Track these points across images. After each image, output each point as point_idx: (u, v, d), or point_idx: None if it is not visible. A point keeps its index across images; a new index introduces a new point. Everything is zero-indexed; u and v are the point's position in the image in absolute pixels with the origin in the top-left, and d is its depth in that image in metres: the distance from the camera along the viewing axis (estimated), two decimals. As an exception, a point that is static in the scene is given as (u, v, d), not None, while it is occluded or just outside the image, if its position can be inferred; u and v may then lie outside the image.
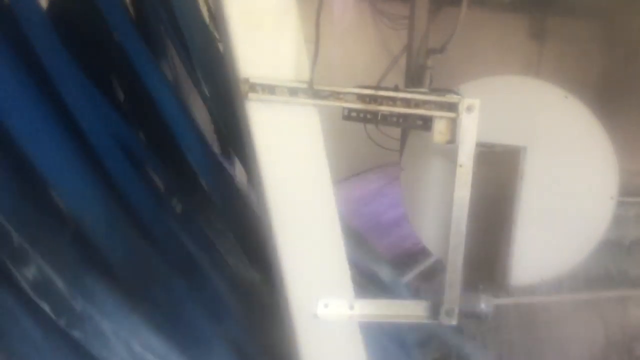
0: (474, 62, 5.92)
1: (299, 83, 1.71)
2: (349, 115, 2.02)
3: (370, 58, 5.95)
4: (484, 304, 1.85)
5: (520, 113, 1.97)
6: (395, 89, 1.84)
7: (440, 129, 1.86)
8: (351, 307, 1.86)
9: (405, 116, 1.91)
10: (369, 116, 2.00)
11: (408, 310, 1.91)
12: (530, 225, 1.96)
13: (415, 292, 2.05)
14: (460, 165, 1.85)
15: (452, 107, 1.82)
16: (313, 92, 1.72)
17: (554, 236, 1.98)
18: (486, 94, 1.86)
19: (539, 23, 6.29)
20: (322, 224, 1.81)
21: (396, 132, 4.17)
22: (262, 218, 1.82)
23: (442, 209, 1.96)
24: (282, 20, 1.70)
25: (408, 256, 2.98)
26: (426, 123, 1.88)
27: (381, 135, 5.04)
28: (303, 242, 1.80)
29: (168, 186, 2.12)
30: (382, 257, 2.57)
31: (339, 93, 1.76)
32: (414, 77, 5.62)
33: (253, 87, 1.66)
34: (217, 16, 1.72)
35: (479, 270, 1.98)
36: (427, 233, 2.05)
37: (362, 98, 1.79)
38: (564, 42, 6.31)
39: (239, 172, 2.33)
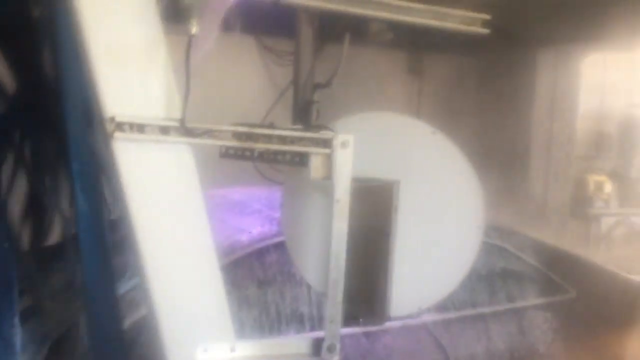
0: (359, 97, 6.13)
1: (170, 121, 1.67)
2: (227, 153, 1.99)
3: (259, 93, 5.99)
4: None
5: (392, 148, 2.04)
6: (271, 126, 1.85)
7: (316, 165, 1.88)
8: (232, 350, 1.81)
9: (282, 153, 1.92)
10: (247, 153, 1.99)
11: (291, 349, 1.89)
12: (406, 257, 2.02)
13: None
14: (337, 201, 1.87)
15: (326, 143, 1.85)
16: (185, 130, 1.68)
17: (428, 266, 2.05)
18: (360, 130, 1.92)
19: (417, 60, 6.66)
20: (199, 265, 1.76)
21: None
22: (135, 262, 1.74)
23: (322, 244, 1.97)
24: (150, 55, 1.66)
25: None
26: (303, 159, 1.89)
27: (271, 169, 5.04)
28: (178, 284, 1.73)
29: None
30: None
31: (213, 131, 1.73)
32: (301, 112, 5.69)
33: (120, 126, 1.60)
34: (81, 53, 1.65)
35: (359, 304, 2.01)
36: (308, 268, 2.05)
37: (237, 136, 1.77)
38: (439, 78, 6.70)
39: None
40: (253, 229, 3.17)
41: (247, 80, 6.02)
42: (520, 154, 6.11)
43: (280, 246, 2.90)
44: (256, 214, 3.50)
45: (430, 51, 6.39)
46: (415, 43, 6.31)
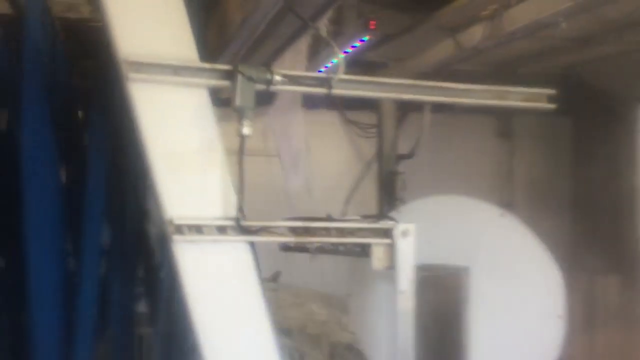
0: (447, 165, 6.03)
1: (227, 220, 1.69)
2: (286, 246, 1.99)
3: (345, 166, 6.03)
4: None
5: (459, 233, 1.94)
6: (328, 218, 1.83)
7: (378, 255, 1.82)
8: None
9: (343, 244, 1.89)
10: (307, 245, 1.97)
11: None
12: (481, 350, 1.88)
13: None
14: (401, 292, 1.80)
15: (387, 233, 1.80)
16: (241, 228, 1.70)
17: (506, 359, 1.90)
18: (423, 216, 1.85)
19: (506, 122, 6.44)
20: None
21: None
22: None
23: (390, 335, 1.89)
24: (207, 159, 1.71)
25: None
26: (364, 250, 1.85)
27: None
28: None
29: None
30: None
31: (269, 227, 1.74)
32: (387, 184, 5.68)
33: (179, 229, 1.64)
34: (140, 157, 1.73)
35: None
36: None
37: (293, 230, 1.77)
38: (531, 139, 6.45)
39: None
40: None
41: (333, 154, 6.09)
42: (623, 214, 5.70)
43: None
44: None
45: (518, 114, 6.17)
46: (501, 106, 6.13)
